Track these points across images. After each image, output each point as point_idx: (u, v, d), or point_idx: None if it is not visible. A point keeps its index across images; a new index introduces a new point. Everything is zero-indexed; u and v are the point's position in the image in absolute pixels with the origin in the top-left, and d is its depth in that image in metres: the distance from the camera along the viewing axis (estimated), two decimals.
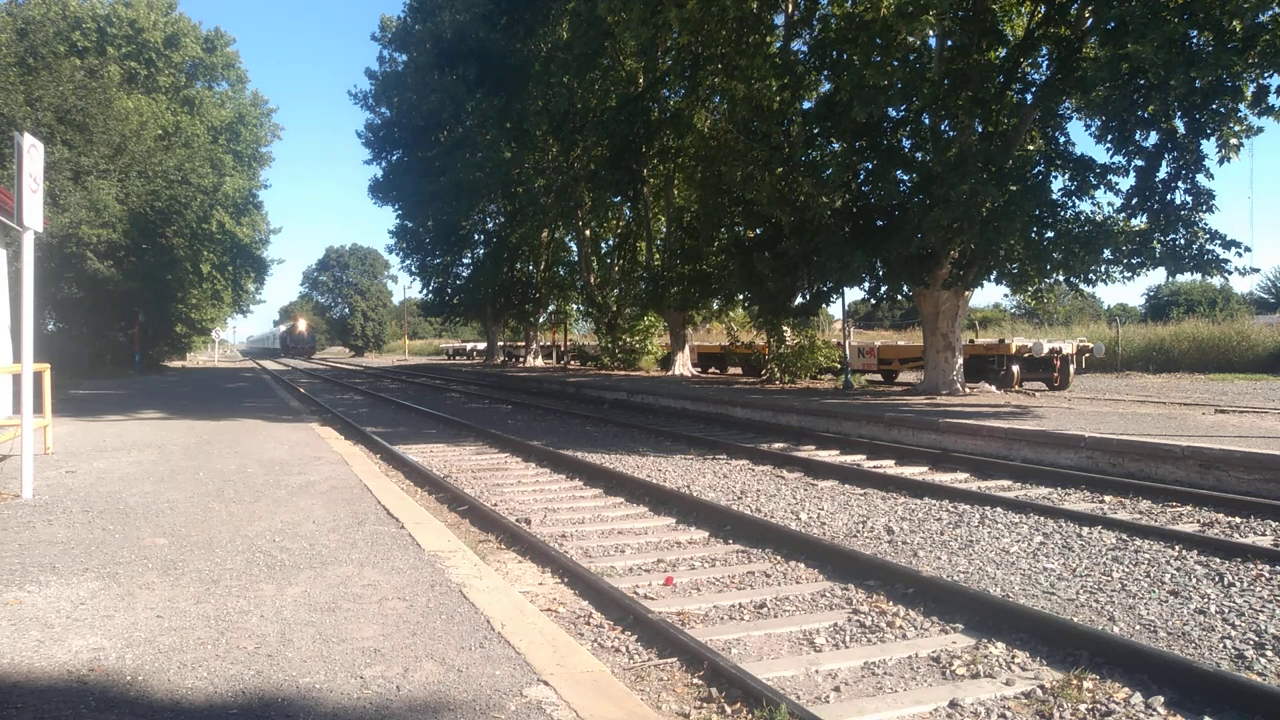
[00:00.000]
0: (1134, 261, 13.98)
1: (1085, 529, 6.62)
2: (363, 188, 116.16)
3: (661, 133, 24.09)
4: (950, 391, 16.41)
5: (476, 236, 43.63)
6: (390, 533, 5.72)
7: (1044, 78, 15.20)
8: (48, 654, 3.51)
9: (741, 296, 24.71)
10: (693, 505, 7.53)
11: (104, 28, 40.04)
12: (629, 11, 17.29)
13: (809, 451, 11.30)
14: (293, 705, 3.04)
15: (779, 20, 19.23)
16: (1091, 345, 21.77)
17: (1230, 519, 7.09)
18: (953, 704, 3.60)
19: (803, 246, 17.43)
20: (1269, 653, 4.14)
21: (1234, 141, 11.71)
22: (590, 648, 4.18)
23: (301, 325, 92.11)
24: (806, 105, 18.73)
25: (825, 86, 18.18)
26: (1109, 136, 13.71)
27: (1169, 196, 13.18)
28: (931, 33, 14.88)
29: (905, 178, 16.83)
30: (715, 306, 29.15)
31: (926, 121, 16.11)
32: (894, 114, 16.29)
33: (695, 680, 3.80)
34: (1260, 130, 12.14)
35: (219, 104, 46.41)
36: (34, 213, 6.73)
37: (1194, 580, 5.32)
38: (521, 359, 43.67)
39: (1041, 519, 6.98)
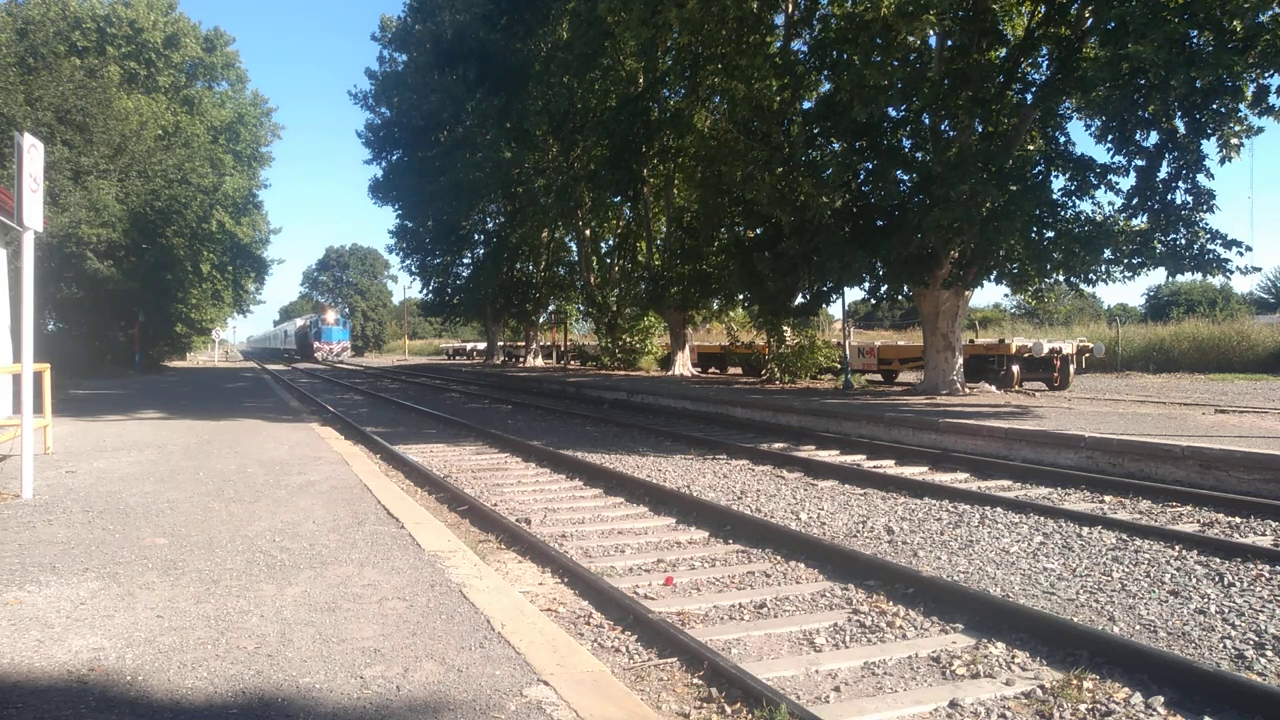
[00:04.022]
0: (1134, 261, 13.97)
1: (1085, 529, 6.62)
2: (363, 188, 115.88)
3: (661, 133, 24.08)
4: (950, 391, 16.41)
5: (476, 236, 43.64)
6: (390, 533, 5.72)
7: (1044, 78, 15.20)
8: (48, 654, 3.51)
9: (741, 296, 24.70)
10: (693, 505, 7.53)
11: (104, 28, 40.04)
12: (629, 11, 17.28)
13: (809, 451, 11.29)
14: (293, 705, 3.04)
15: (779, 20, 19.22)
16: (1091, 345, 21.76)
17: (1230, 519, 7.09)
18: (953, 704, 3.60)
19: (803, 246, 17.43)
20: (1269, 653, 4.15)
21: (1234, 141, 11.71)
22: (590, 648, 4.18)
23: (330, 316, 68.81)
24: (806, 105, 18.73)
25: (825, 86, 18.18)
26: (1109, 136, 13.71)
27: (1169, 196, 13.18)
28: (931, 33, 14.89)
29: (905, 178, 16.83)
30: (715, 306, 29.16)
31: (926, 121, 16.11)
32: (894, 114, 16.29)
33: (695, 680, 3.80)
34: (1260, 130, 12.15)
35: (219, 104, 46.41)
36: (34, 212, 6.73)
37: (1194, 580, 5.32)
38: (521, 359, 43.66)
39: (1041, 519, 6.98)
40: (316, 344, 65.51)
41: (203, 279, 43.12)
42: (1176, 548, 6.06)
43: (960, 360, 17.05)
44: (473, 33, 32.40)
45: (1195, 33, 11.70)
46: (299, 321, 77.77)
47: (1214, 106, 11.92)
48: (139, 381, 28.25)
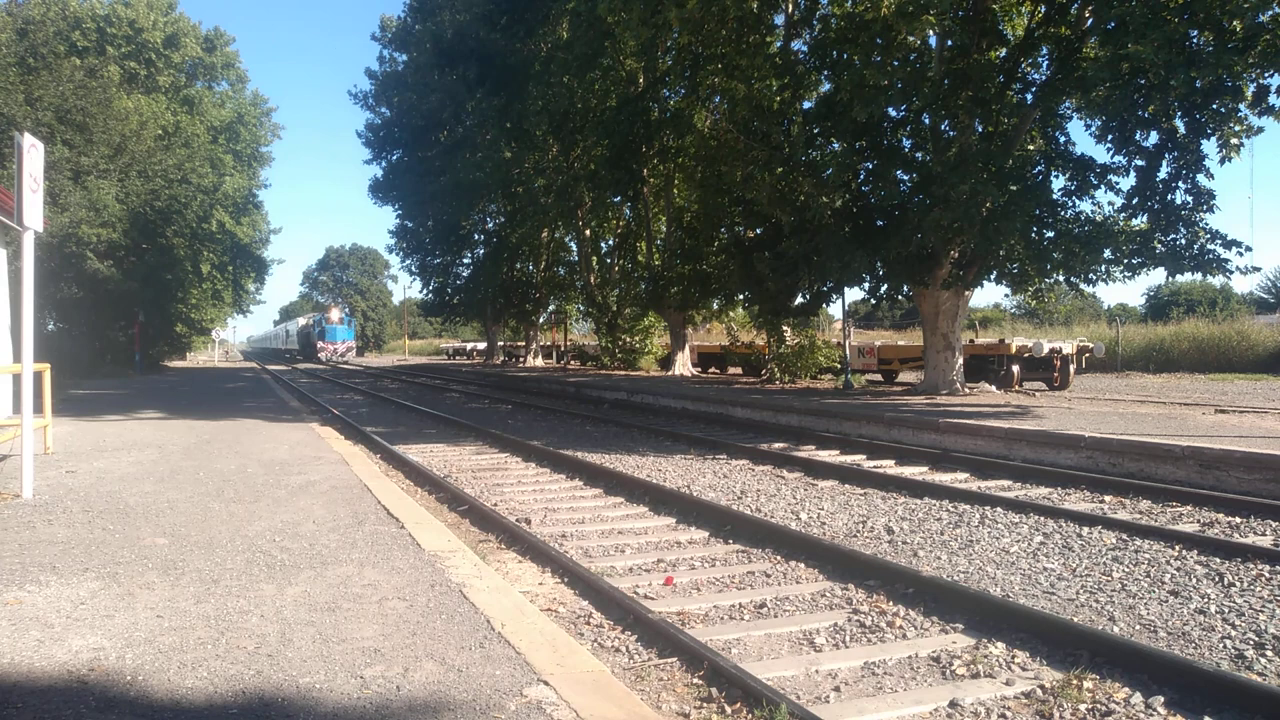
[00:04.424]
0: (1134, 261, 13.97)
1: (1085, 529, 6.62)
2: (363, 188, 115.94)
3: (661, 133, 24.08)
4: (950, 391, 16.41)
5: (476, 236, 43.67)
6: (390, 533, 5.72)
7: (1044, 78, 15.20)
8: (48, 654, 3.51)
9: (741, 296, 24.70)
10: (693, 505, 7.53)
11: (104, 28, 40.04)
12: (629, 11, 17.28)
13: (809, 451, 11.29)
14: (293, 705, 3.04)
15: (779, 20, 19.22)
16: (1091, 345, 21.75)
17: (1230, 519, 7.09)
18: (953, 704, 3.60)
19: (803, 246, 17.42)
20: (1269, 653, 4.14)
21: (1234, 141, 11.71)
22: (590, 648, 4.18)
23: (334, 314, 64.99)
24: (806, 105, 18.73)
25: (825, 86, 18.18)
26: (1109, 136, 13.70)
27: (1169, 196, 13.18)
28: (931, 33, 14.87)
29: (905, 178, 16.82)
30: (715, 306, 29.15)
31: (926, 121, 16.10)
32: (894, 114, 16.28)
33: (695, 680, 3.80)
34: (1260, 130, 12.15)
35: (219, 104, 46.43)
36: (34, 212, 6.73)
37: (1194, 580, 5.32)
38: (521, 359, 43.66)
39: (1041, 519, 6.97)
40: (320, 344, 62.37)
41: (203, 279, 43.11)
42: (1176, 548, 6.06)
43: (960, 360, 17.05)
44: (473, 33, 32.39)
45: (1195, 33, 11.70)
46: (301, 320, 74.76)
47: (1214, 106, 11.91)
48: (139, 381, 28.25)
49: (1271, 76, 11.60)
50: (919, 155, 16.68)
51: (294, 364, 59.38)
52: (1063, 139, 15.81)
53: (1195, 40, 11.71)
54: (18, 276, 9.03)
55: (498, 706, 3.04)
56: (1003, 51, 15.53)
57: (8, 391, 10.18)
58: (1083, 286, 15.84)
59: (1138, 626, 4.56)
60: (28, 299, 7.22)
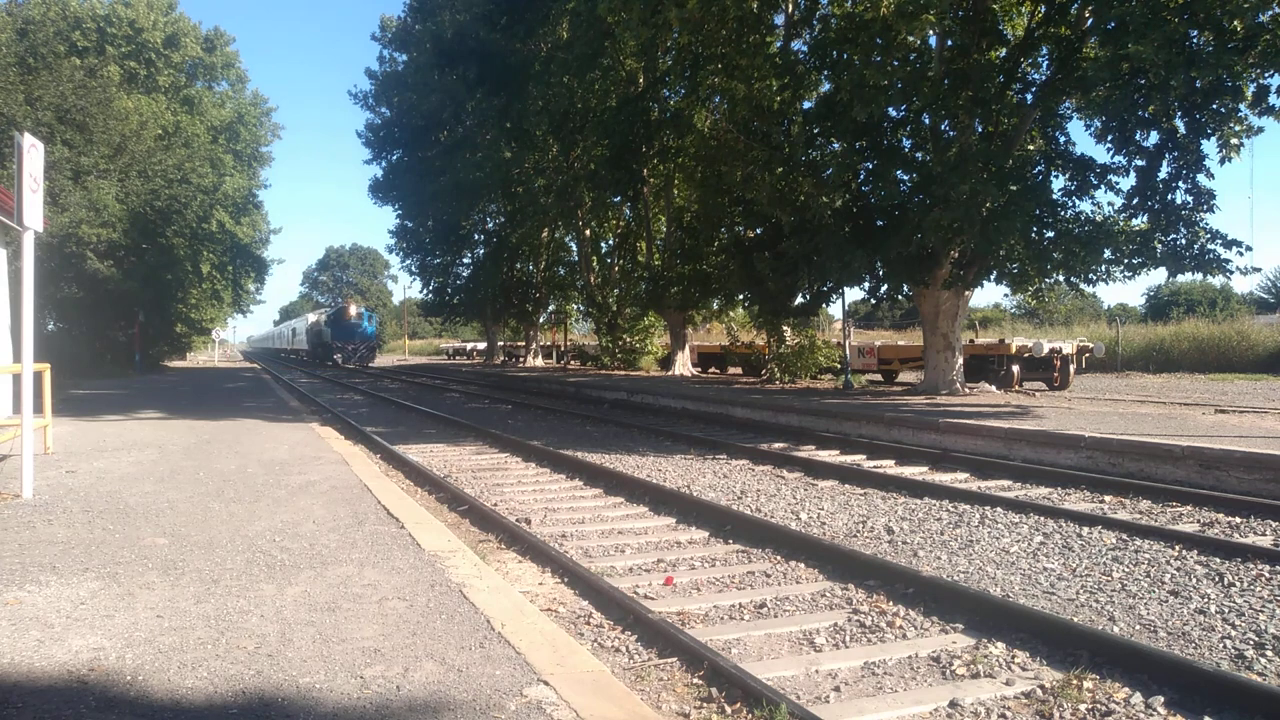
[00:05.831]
0: (1135, 261, 13.97)
1: (1085, 529, 6.62)
2: (363, 188, 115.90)
3: (661, 133, 24.08)
4: (950, 391, 16.40)
5: (476, 236, 43.71)
6: (390, 533, 5.72)
7: (1044, 78, 15.20)
8: (48, 654, 3.51)
9: (741, 296, 24.71)
10: (693, 505, 7.53)
11: (104, 28, 40.09)
12: (629, 11, 17.28)
13: (809, 451, 11.29)
14: (293, 705, 3.04)
15: (779, 20, 19.22)
16: (1091, 345, 21.77)
17: (1230, 519, 7.09)
18: (953, 704, 3.60)
19: (803, 246, 17.43)
20: (1269, 653, 4.14)
21: (1234, 141, 11.71)
22: (590, 648, 4.18)
23: (353, 309, 55.04)
24: (806, 105, 18.74)
25: (825, 86, 18.18)
26: (1109, 136, 13.71)
27: (1169, 196, 13.18)
28: (931, 32, 14.89)
29: (905, 178, 16.82)
30: (715, 306, 29.17)
31: (926, 121, 16.11)
32: (894, 114, 16.28)
33: (695, 680, 3.80)
34: (1260, 130, 12.16)
35: (219, 104, 46.51)
36: (34, 213, 6.73)
37: (1194, 580, 5.31)
38: (521, 359, 43.67)
39: (1041, 519, 6.97)
40: (337, 343, 52.60)
41: (203, 279, 43.16)
42: (1176, 548, 6.06)
43: (960, 360, 17.05)
44: (473, 33, 32.38)
45: (1195, 33, 11.70)
46: (311, 317, 64.84)
47: (1214, 106, 11.92)
48: (139, 381, 28.25)
49: (1271, 76, 11.61)
50: (919, 155, 16.68)
51: (298, 366, 54.39)
52: (1063, 139, 15.81)
53: (1195, 40, 11.70)
54: (18, 276, 9.03)
55: (498, 706, 3.04)
56: (1003, 51, 15.53)
57: (8, 391, 10.17)
58: (1083, 286, 15.86)
59: (1138, 626, 4.55)
60: (28, 299, 7.22)
